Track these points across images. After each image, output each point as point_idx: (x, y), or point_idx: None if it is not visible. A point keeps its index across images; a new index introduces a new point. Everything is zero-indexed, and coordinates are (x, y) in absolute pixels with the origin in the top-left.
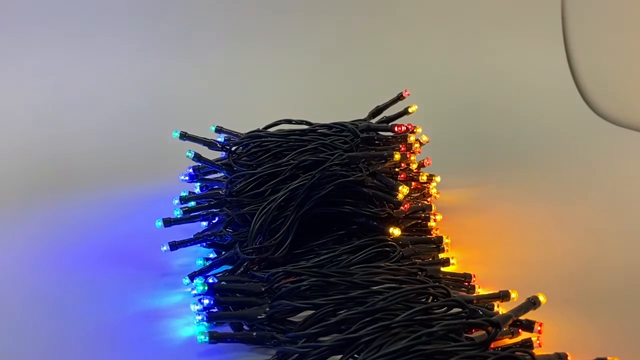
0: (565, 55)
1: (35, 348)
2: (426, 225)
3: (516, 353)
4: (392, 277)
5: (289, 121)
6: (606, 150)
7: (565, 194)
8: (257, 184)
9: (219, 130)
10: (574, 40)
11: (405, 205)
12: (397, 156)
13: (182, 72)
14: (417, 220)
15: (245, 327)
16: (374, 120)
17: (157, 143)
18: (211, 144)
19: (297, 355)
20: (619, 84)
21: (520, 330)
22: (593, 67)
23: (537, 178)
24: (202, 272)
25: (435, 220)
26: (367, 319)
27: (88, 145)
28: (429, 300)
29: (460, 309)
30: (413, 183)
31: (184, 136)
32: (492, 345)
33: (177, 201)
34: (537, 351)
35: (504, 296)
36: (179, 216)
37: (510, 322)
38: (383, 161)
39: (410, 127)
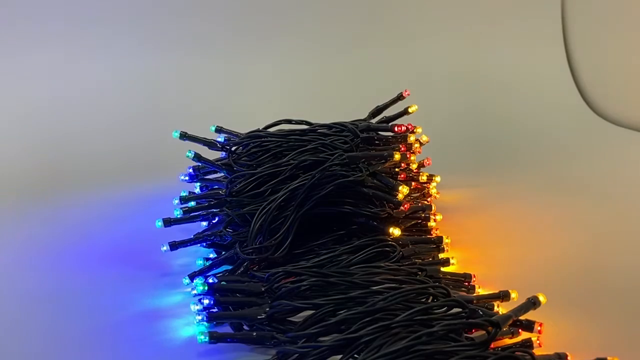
0: (565, 55)
1: (35, 348)
2: (426, 225)
3: (516, 353)
4: (392, 277)
5: (289, 121)
6: (606, 150)
7: (565, 194)
8: (257, 184)
9: (218, 130)
10: (574, 40)
11: (405, 205)
12: (397, 156)
13: (182, 72)
14: (417, 220)
15: (245, 327)
16: (374, 120)
17: (157, 143)
18: (211, 144)
19: (297, 355)
20: (619, 84)
21: (520, 330)
22: (593, 67)
23: (537, 178)
24: (202, 272)
25: (435, 220)
26: (367, 319)
27: (88, 145)
28: (429, 300)
29: (460, 309)
30: (413, 183)
31: (184, 136)
32: (492, 345)
33: (177, 201)
34: (537, 351)
35: (504, 296)
36: (179, 216)
37: (510, 322)
38: (383, 161)
39: (410, 127)
